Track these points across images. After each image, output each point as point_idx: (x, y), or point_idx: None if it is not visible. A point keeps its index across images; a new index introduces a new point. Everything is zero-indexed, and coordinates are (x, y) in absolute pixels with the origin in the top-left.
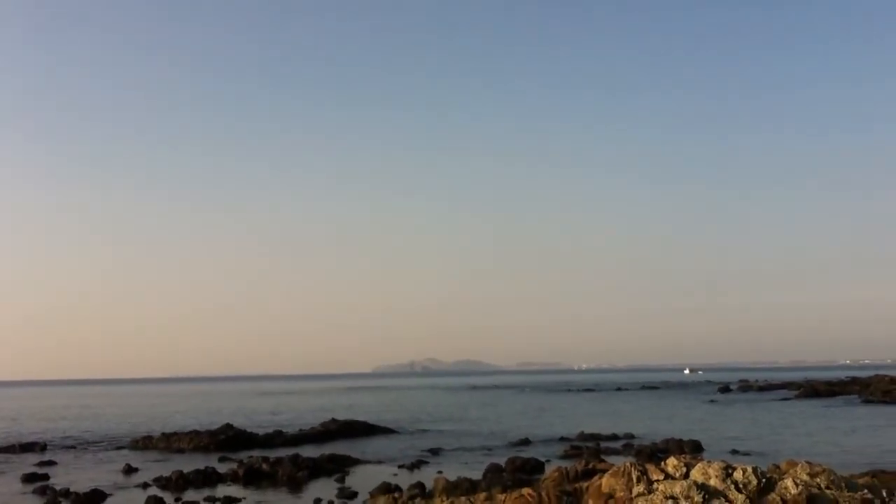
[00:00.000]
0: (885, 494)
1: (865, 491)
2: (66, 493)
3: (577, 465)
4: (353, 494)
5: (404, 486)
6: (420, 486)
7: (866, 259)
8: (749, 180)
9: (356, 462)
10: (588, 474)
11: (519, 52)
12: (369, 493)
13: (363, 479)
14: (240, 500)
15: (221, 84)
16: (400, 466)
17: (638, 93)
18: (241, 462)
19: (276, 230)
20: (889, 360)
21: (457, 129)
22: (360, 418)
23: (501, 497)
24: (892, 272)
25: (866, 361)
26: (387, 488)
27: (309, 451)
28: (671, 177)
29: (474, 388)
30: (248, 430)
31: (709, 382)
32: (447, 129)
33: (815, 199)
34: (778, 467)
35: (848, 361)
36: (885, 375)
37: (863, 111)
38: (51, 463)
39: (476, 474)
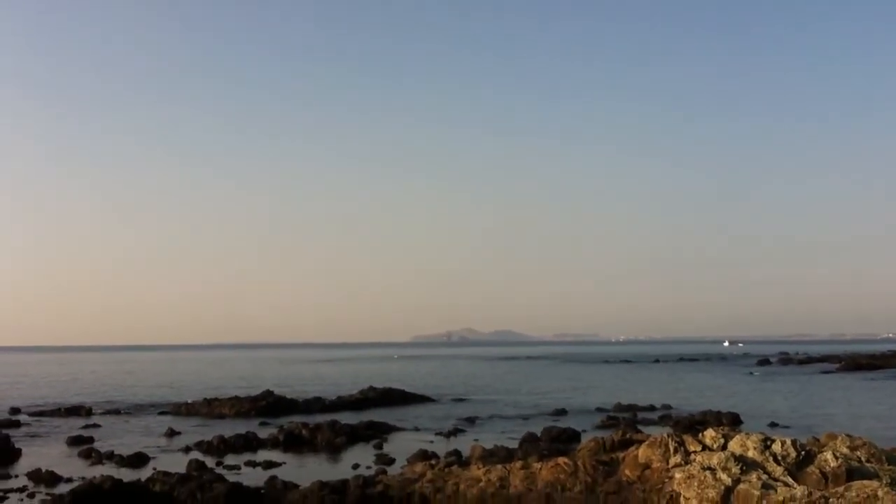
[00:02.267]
0: None
1: None
2: (110, 455)
3: (613, 436)
4: (391, 461)
5: (441, 454)
6: (456, 453)
7: None
8: (785, 154)
9: (393, 429)
10: (624, 444)
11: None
12: (406, 459)
13: (400, 446)
14: (279, 464)
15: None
16: (437, 434)
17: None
18: (280, 427)
19: (318, 203)
20: None
21: (488, 107)
22: (398, 387)
23: (537, 465)
24: None
25: None
26: (424, 455)
27: (347, 418)
28: (707, 149)
29: (511, 358)
30: (288, 396)
31: (748, 355)
32: (478, 107)
33: (855, 170)
34: (817, 440)
35: (890, 335)
36: None
37: None
38: (95, 426)
39: (512, 443)
